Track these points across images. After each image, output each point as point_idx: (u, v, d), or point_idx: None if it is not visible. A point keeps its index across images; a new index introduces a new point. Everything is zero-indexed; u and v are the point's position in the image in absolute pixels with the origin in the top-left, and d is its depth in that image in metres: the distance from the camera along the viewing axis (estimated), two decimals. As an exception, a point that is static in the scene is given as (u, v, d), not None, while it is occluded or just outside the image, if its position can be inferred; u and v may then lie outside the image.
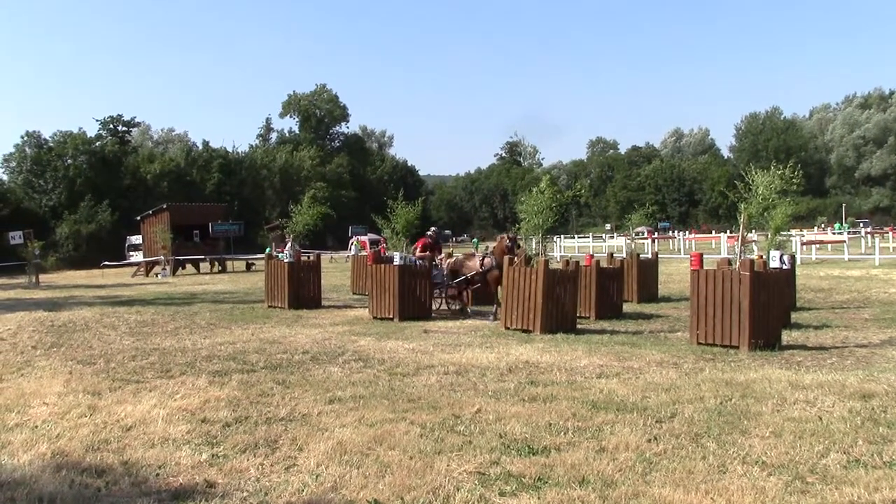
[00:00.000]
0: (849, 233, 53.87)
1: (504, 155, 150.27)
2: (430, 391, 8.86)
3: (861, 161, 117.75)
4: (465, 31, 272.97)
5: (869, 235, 49.42)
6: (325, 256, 45.90)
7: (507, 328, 14.65)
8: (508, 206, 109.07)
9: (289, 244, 21.54)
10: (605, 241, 61.14)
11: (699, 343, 12.32)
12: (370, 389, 9.01)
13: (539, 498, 5.24)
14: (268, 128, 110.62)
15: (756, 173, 12.83)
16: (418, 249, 18.97)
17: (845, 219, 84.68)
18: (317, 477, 5.82)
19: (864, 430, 6.82)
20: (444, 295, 18.59)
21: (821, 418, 7.23)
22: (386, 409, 7.85)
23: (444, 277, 18.20)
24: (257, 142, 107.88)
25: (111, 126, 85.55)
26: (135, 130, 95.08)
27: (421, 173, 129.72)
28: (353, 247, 44.77)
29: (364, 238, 52.00)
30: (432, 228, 20.66)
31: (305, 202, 21.97)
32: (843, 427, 6.91)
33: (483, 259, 17.38)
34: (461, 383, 9.34)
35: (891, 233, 53.48)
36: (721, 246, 41.65)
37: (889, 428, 6.85)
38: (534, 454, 6.23)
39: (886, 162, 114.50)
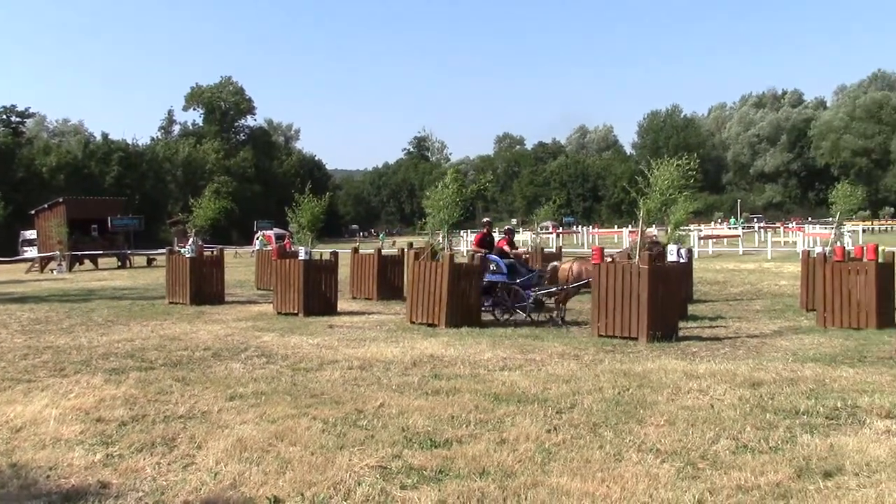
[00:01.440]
0: (743, 228, 55.85)
1: (412, 150, 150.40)
2: (333, 386, 8.81)
3: (755, 158, 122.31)
4: (374, 24, 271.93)
5: (762, 230, 51.37)
6: (230, 251, 45.08)
7: (412, 322, 14.67)
8: (416, 200, 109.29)
9: (191, 239, 21.08)
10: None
11: (600, 335, 12.58)
12: (272, 385, 8.90)
13: (440, 490, 5.27)
14: (170, 120, 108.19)
15: (656, 168, 13.16)
16: (474, 244, 17.44)
17: (740, 214, 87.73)
18: (215, 475, 5.72)
19: (753, 416, 7.09)
20: (506, 303, 15.81)
21: (712, 406, 7.48)
22: (288, 405, 7.77)
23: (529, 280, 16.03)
24: (159, 134, 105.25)
25: (4, 116, 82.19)
26: (29, 121, 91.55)
27: (328, 167, 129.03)
28: (258, 242, 44.12)
29: (270, 233, 51.32)
30: (485, 220, 19.28)
31: (207, 196, 21.49)
32: (733, 414, 7.16)
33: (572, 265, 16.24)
34: (365, 378, 9.31)
35: (782, 228, 55.66)
36: (623, 240, 42.63)
37: (775, 414, 7.14)
38: (436, 447, 6.27)
39: (779, 159, 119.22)
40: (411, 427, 6.86)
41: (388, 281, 20.77)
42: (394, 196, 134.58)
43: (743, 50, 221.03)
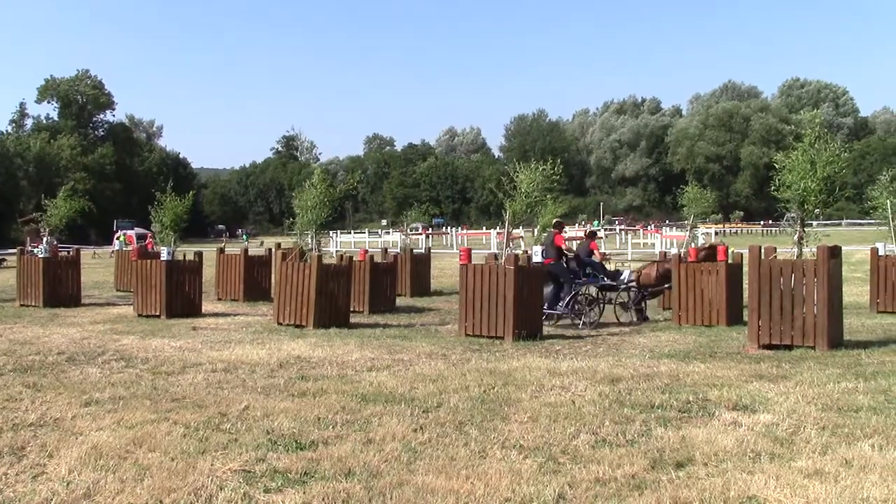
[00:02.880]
0: (605, 230, 57.75)
1: (280, 149, 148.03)
2: (195, 390, 8.58)
3: (617, 163, 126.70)
4: (241, 19, 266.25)
5: (623, 232, 53.28)
6: (87, 252, 43.21)
7: (279, 324, 14.47)
8: (285, 200, 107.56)
9: (45, 239, 20.07)
10: (381, 236, 61.83)
11: (468, 335, 12.75)
12: (131, 390, 8.59)
13: (304, 493, 5.21)
14: (22, 113, 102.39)
15: (520, 170, 13.45)
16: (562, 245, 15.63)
17: (602, 217, 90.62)
18: (68, 484, 5.47)
19: (611, 411, 7.34)
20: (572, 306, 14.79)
21: (573, 402, 7.71)
22: (147, 410, 7.52)
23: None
24: (10, 128, 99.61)
25: None
26: None
27: (194, 166, 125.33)
28: (118, 241, 42.46)
29: (131, 233, 49.50)
30: (556, 220, 17.16)
31: (62, 195, 20.50)
32: (592, 410, 7.40)
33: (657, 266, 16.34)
34: (229, 380, 9.12)
35: (641, 230, 57.90)
36: (491, 242, 43.30)
37: (632, 409, 7.42)
38: (301, 449, 6.20)
39: (639, 164, 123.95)
40: (276, 429, 6.76)
41: (255, 282, 20.41)
42: (261, 196, 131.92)
43: (605, 58, 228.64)
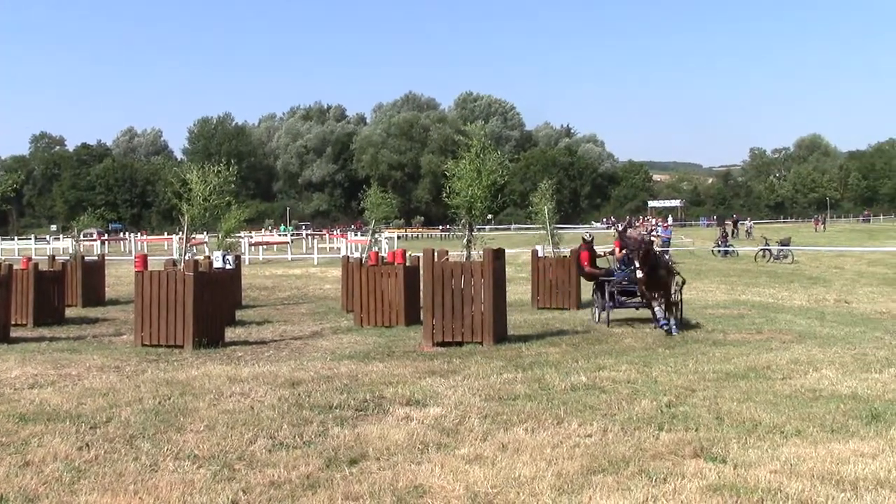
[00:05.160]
0: (292, 235, 57.92)
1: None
2: None
3: (304, 168, 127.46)
4: None
5: (310, 237, 53.76)
6: None
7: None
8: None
9: None
10: (49, 242, 57.08)
11: (144, 345, 12.18)
12: None
13: (-54, 526, 4.72)
14: None
15: (193, 172, 13.12)
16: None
17: (290, 221, 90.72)
18: None
19: (290, 414, 7.40)
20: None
21: (252, 408, 7.66)
22: None
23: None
24: None
25: None
26: None
27: None
28: None
29: None
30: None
31: None
32: (272, 414, 7.41)
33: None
34: None
35: (328, 234, 58.77)
36: (173, 247, 41.68)
37: (311, 410, 7.54)
38: (-57, 479, 5.59)
39: (325, 170, 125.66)
40: (-86, 459, 6.03)
41: None
42: None
43: (292, 63, 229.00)
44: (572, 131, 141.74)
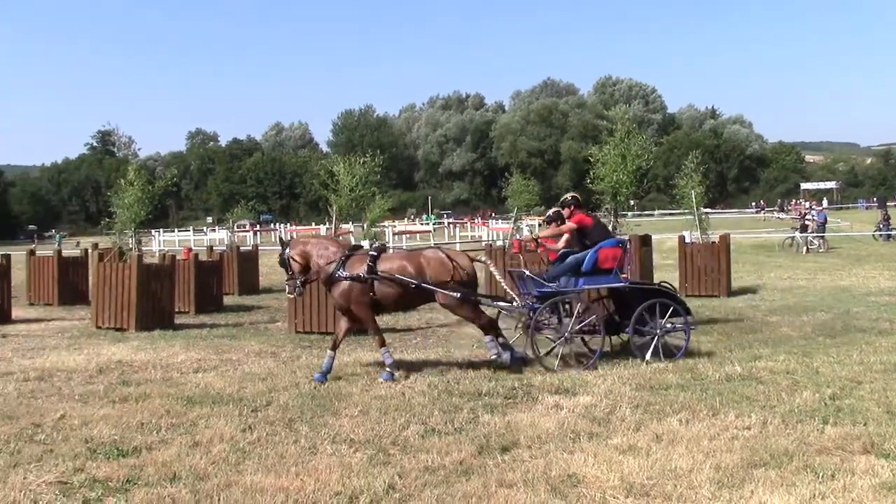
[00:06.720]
0: (434, 224, 58.65)
1: (96, 144, 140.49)
2: (5, 401, 8.07)
3: (444, 157, 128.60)
4: (51, 6, 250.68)
5: (451, 225, 54.32)
6: None
7: (98, 327, 13.80)
8: (102, 199, 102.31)
9: None
10: (206, 234, 60.03)
11: (297, 331, 12.63)
12: (-69, 405, 7.97)
13: (126, 500, 5.04)
14: None
15: (342, 166, 13.46)
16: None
17: (431, 210, 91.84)
18: None
19: (441, 401, 7.50)
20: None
21: (403, 394, 7.82)
22: (-49, 425, 7.01)
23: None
24: None
25: None
26: None
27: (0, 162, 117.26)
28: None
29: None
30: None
31: None
32: (422, 400, 7.53)
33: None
34: (44, 389, 8.63)
35: (469, 223, 59.16)
36: (321, 237, 42.95)
37: (461, 397, 7.61)
38: (123, 456, 5.97)
39: (464, 158, 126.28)
40: (96, 437, 6.47)
41: (70, 284, 19.32)
42: (76, 194, 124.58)
43: (430, 53, 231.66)
44: (717, 112, 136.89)
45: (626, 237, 10.32)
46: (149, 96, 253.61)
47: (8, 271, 16.18)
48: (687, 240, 17.87)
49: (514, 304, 9.36)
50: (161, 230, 55.32)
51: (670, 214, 68.18)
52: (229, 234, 28.06)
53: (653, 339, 9.32)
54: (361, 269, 8.92)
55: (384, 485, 5.19)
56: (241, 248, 23.63)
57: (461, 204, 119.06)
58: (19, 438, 6.52)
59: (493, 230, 43.28)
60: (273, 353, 10.81)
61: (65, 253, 20.50)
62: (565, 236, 10.32)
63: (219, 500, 5.02)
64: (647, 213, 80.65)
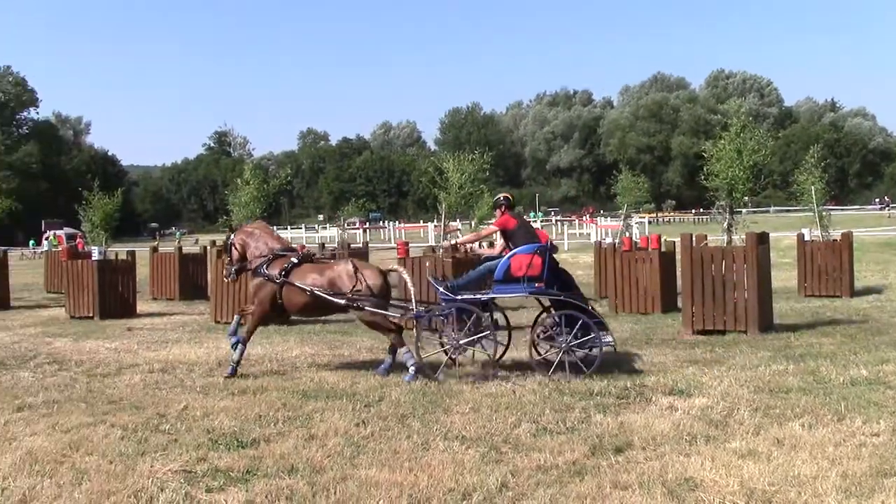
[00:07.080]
0: (542, 220, 58.30)
1: (213, 145, 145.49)
2: (133, 391, 8.45)
3: (551, 154, 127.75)
4: (167, 13, 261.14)
5: (559, 222, 53.91)
6: (15, 253, 42.04)
7: (217, 322, 14.29)
8: (218, 197, 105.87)
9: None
10: (318, 231, 61.39)
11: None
12: (65, 393, 8.41)
13: (247, 490, 5.19)
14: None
15: (451, 163, 13.52)
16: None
17: (539, 207, 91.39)
18: (2, 491, 5.35)
19: (552, 400, 7.45)
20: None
21: (514, 392, 7.80)
22: (83, 413, 7.37)
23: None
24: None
25: None
26: None
27: (123, 163, 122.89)
28: (46, 242, 41.42)
29: (60, 233, 48.36)
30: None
31: (-13, 194, 19.91)
32: (533, 398, 7.50)
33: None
34: (167, 381, 9.00)
35: (577, 220, 58.59)
36: (429, 235, 43.37)
37: (572, 397, 7.54)
38: (242, 447, 6.16)
39: (572, 155, 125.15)
40: (217, 428, 6.70)
41: (190, 280, 20.09)
42: (195, 193, 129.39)
43: (537, 50, 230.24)
44: (838, 105, 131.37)
45: (550, 242, 9.46)
46: (262, 97, 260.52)
47: (133, 268, 16.94)
48: (806, 237, 17.21)
49: (410, 311, 9.21)
50: (275, 228, 56.94)
51: (787, 211, 65.90)
52: (340, 231, 28.65)
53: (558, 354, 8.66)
54: (277, 272, 9.18)
55: (497, 483, 5.18)
56: (352, 245, 24.04)
57: (569, 201, 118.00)
58: (146, 427, 6.81)
59: (601, 227, 42.72)
60: (383, 348, 10.92)
61: (185, 250, 21.31)
62: (500, 241, 9.97)
63: (335, 493, 5.11)
64: (761, 209, 78.15)
